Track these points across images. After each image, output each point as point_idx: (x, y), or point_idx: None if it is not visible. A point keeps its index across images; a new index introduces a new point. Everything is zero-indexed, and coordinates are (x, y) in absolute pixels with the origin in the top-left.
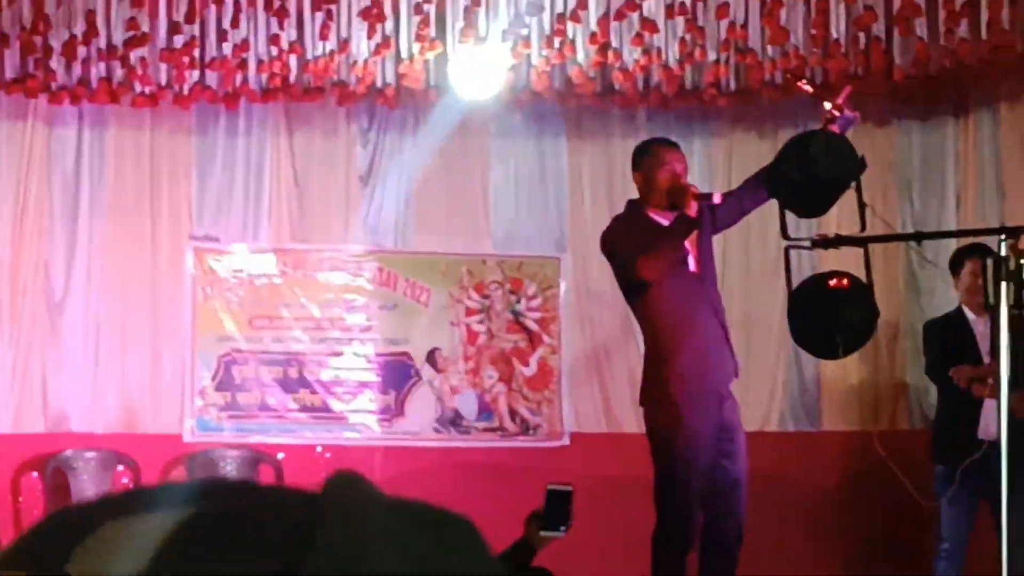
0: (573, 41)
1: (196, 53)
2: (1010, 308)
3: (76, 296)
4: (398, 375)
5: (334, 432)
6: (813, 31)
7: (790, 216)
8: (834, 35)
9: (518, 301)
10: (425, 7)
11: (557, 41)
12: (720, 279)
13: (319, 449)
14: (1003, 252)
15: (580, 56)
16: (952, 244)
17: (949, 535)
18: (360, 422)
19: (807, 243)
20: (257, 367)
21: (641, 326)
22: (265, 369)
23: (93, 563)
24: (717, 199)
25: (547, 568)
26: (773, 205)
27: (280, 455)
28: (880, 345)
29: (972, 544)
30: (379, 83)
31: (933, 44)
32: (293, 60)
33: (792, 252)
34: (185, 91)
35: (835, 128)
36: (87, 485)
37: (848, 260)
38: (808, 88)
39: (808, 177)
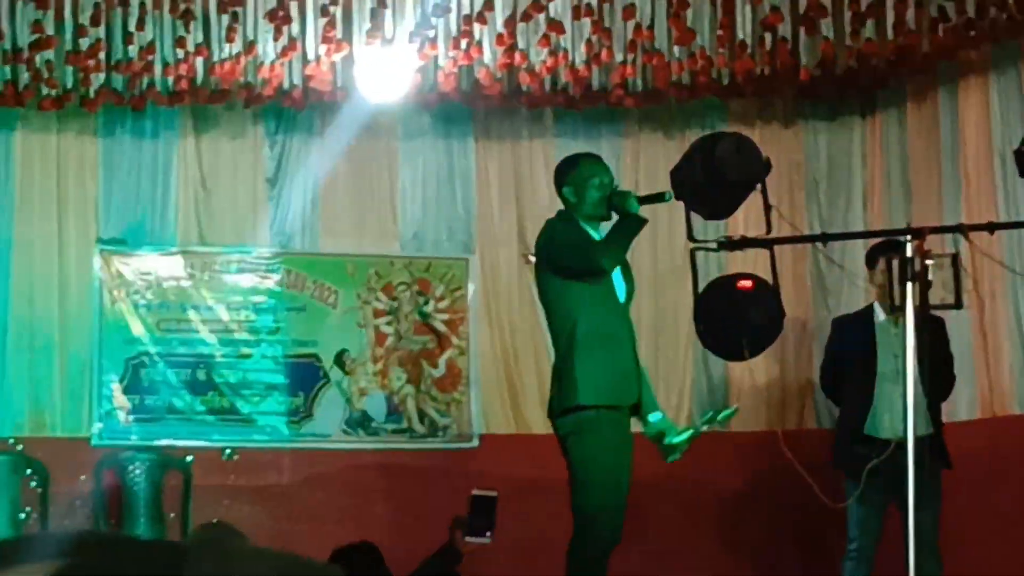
0: (480, 42)
1: (102, 56)
2: (916, 308)
3: None
4: (306, 377)
5: (242, 434)
6: (719, 32)
7: (696, 218)
8: (740, 36)
9: (426, 303)
10: (331, 9)
11: (464, 42)
12: None
13: (227, 452)
14: (909, 253)
15: (487, 57)
16: (860, 244)
17: (857, 535)
18: (268, 424)
19: (713, 245)
20: (165, 370)
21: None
22: (173, 372)
23: None
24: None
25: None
26: (680, 207)
27: (189, 458)
28: (787, 345)
29: (881, 544)
30: (286, 85)
31: (839, 44)
32: (199, 62)
33: (699, 254)
34: (91, 94)
35: None
36: None
37: (755, 261)
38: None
39: (714, 179)
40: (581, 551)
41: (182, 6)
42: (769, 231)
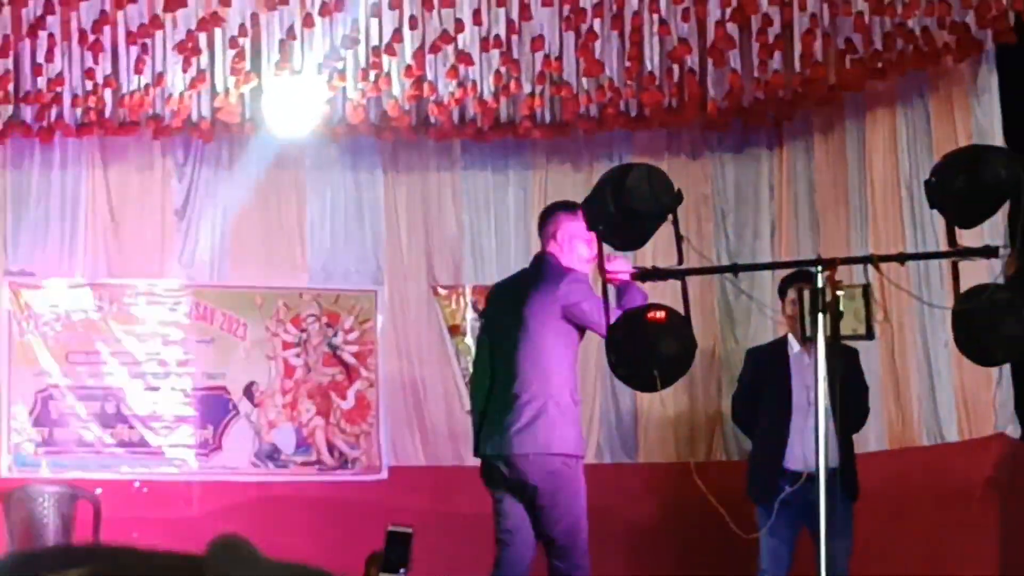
0: (388, 74)
1: (10, 87)
2: (827, 339)
3: None
4: (215, 409)
5: (151, 467)
6: (628, 63)
7: (607, 249)
8: (648, 67)
9: (335, 334)
10: (240, 40)
11: (372, 74)
12: None
13: (137, 484)
14: (820, 283)
15: (396, 89)
16: (768, 275)
17: (769, 565)
18: (178, 456)
19: (627, 276)
20: (74, 402)
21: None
22: (82, 404)
23: None
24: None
25: None
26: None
27: (98, 490)
28: (696, 376)
29: (792, 574)
30: (194, 117)
31: (747, 76)
32: (108, 94)
33: (610, 286)
34: (0, 126)
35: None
36: None
37: (663, 292)
38: None
39: (625, 210)
40: None
41: (91, 37)
42: (681, 262)
